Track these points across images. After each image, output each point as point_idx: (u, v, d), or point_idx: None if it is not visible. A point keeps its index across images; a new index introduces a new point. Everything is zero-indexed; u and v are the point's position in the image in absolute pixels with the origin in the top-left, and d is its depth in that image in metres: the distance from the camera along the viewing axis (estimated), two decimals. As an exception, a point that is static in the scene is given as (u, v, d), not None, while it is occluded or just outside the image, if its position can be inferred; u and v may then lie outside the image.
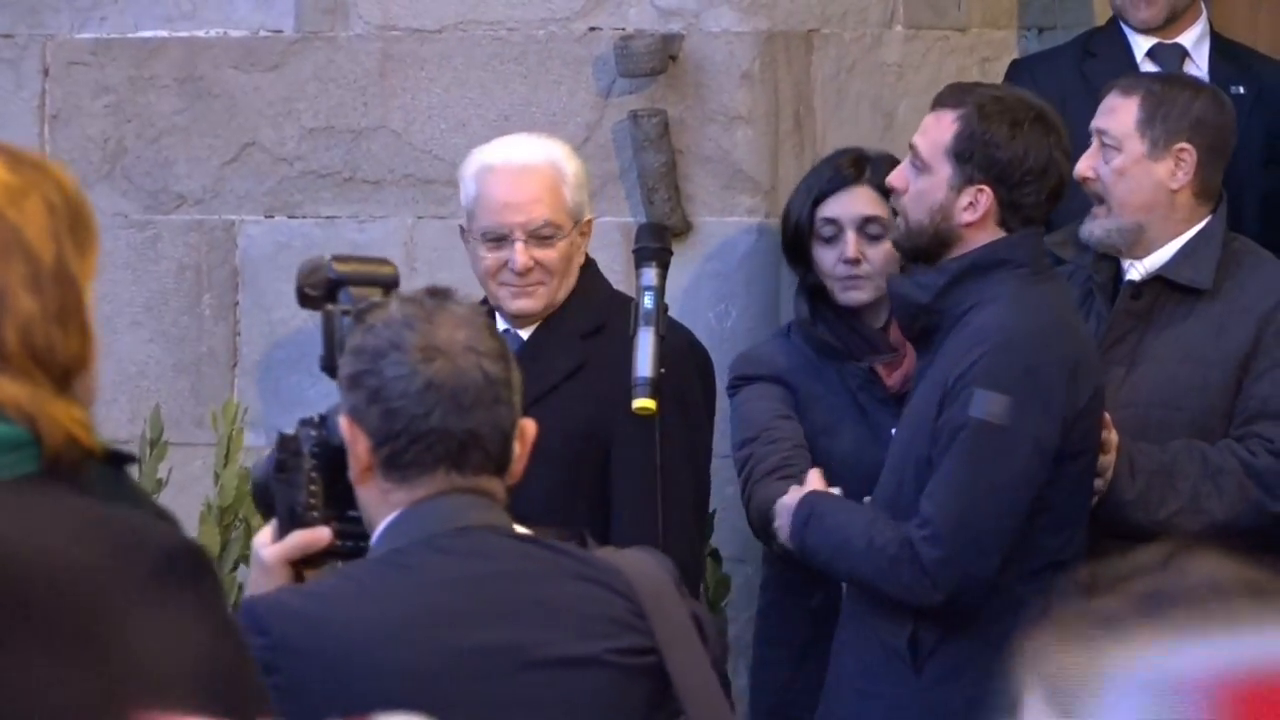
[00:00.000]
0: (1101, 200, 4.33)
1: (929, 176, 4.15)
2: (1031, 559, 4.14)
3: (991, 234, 4.18)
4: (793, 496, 4.25)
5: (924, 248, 4.22)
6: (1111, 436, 4.36)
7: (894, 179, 4.31)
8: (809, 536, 4.39)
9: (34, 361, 2.07)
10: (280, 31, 5.40)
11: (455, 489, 3.07)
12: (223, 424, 5.05)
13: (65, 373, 2.15)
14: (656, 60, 4.83)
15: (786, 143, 4.94)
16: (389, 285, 3.52)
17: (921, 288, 4.23)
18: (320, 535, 3.22)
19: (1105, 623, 0.97)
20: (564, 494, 4.43)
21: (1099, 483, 4.29)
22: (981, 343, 4.12)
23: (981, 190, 4.04)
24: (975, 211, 4.10)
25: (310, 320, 3.76)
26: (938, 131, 4.20)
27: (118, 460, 2.29)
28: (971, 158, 4.07)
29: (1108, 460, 4.25)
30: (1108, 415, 4.24)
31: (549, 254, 4.48)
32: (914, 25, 5.23)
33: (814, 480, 4.28)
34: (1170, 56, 5.06)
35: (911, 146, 4.30)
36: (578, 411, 4.47)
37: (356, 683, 2.78)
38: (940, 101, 4.32)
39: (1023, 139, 4.11)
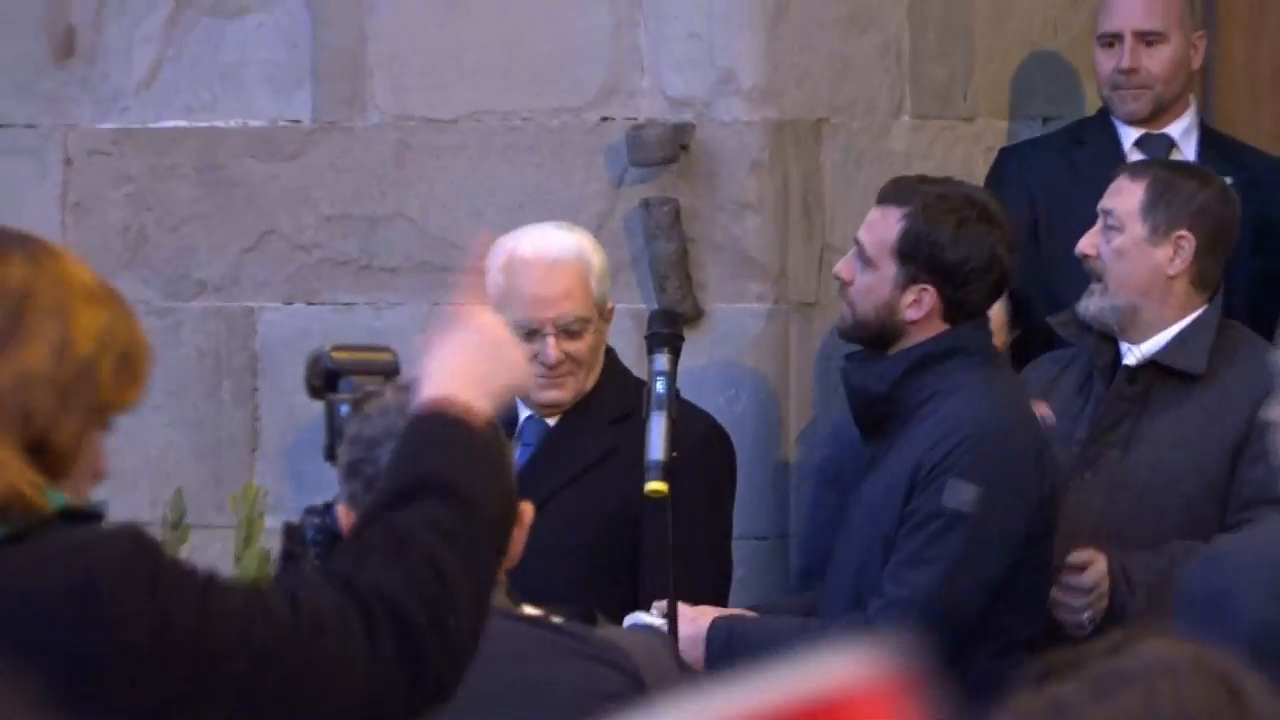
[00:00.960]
0: (1100, 278, 4.39)
1: (874, 273, 4.26)
2: (997, 638, 4.24)
3: (936, 328, 4.28)
4: (694, 627, 4.22)
5: (871, 338, 4.36)
6: (1097, 558, 4.38)
7: (841, 270, 4.42)
8: (735, 657, 4.35)
9: (23, 428, 2.20)
10: (298, 121, 5.45)
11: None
12: (243, 507, 4.99)
13: (41, 448, 2.25)
14: (668, 149, 4.90)
15: (795, 230, 5.00)
16: (387, 373, 3.90)
17: (878, 378, 4.35)
18: None
19: (1058, 708, 1.02)
20: (594, 575, 4.47)
21: (1095, 607, 4.31)
22: (953, 433, 4.24)
23: (926, 290, 4.17)
24: (920, 309, 4.23)
25: (327, 406, 4.05)
26: (884, 229, 4.29)
27: (80, 518, 2.31)
28: (916, 258, 4.17)
29: (1097, 579, 4.28)
30: (1089, 548, 4.30)
31: (578, 346, 4.55)
32: (921, 115, 5.33)
33: (706, 611, 4.32)
34: (1158, 146, 5.17)
35: (857, 241, 4.38)
36: (609, 495, 4.54)
37: None
38: (885, 198, 4.39)
39: (966, 239, 4.22)
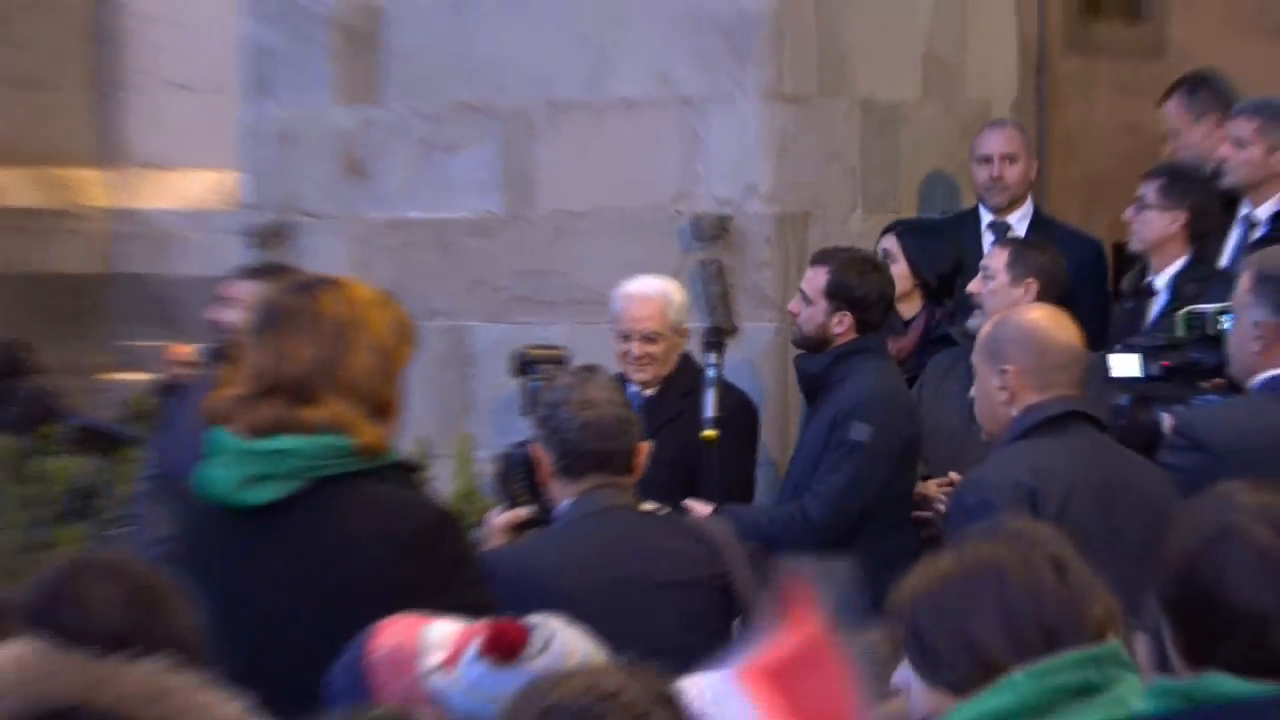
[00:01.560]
0: (980, 306, 6.24)
1: (813, 308, 6.22)
2: (879, 520, 6.14)
3: (850, 336, 6.23)
4: (707, 511, 5.93)
5: (812, 345, 6.32)
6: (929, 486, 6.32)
7: (792, 307, 6.42)
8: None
9: (359, 397, 3.17)
10: (495, 213, 7.84)
11: (602, 485, 4.32)
12: (459, 445, 7.26)
13: (378, 407, 3.22)
14: (716, 230, 7.30)
15: (792, 281, 7.01)
16: (559, 362, 6.09)
17: (815, 365, 6.35)
18: (522, 513, 4.75)
19: (942, 578, 2.13)
20: (670, 488, 5.82)
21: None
22: (857, 395, 6.19)
23: (845, 315, 6.16)
24: (842, 327, 6.22)
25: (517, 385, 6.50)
26: (816, 280, 6.26)
27: (406, 467, 3.42)
28: (838, 296, 6.14)
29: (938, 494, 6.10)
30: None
31: (653, 348, 6.52)
32: (869, 209, 7.67)
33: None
34: (1000, 229, 7.20)
35: (800, 289, 6.39)
36: (680, 441, 6.26)
37: (535, 602, 3.06)
38: (815, 260, 6.43)
39: (868, 282, 6.21)
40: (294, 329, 3.44)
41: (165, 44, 11.13)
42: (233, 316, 6.63)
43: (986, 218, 7.37)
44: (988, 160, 7.36)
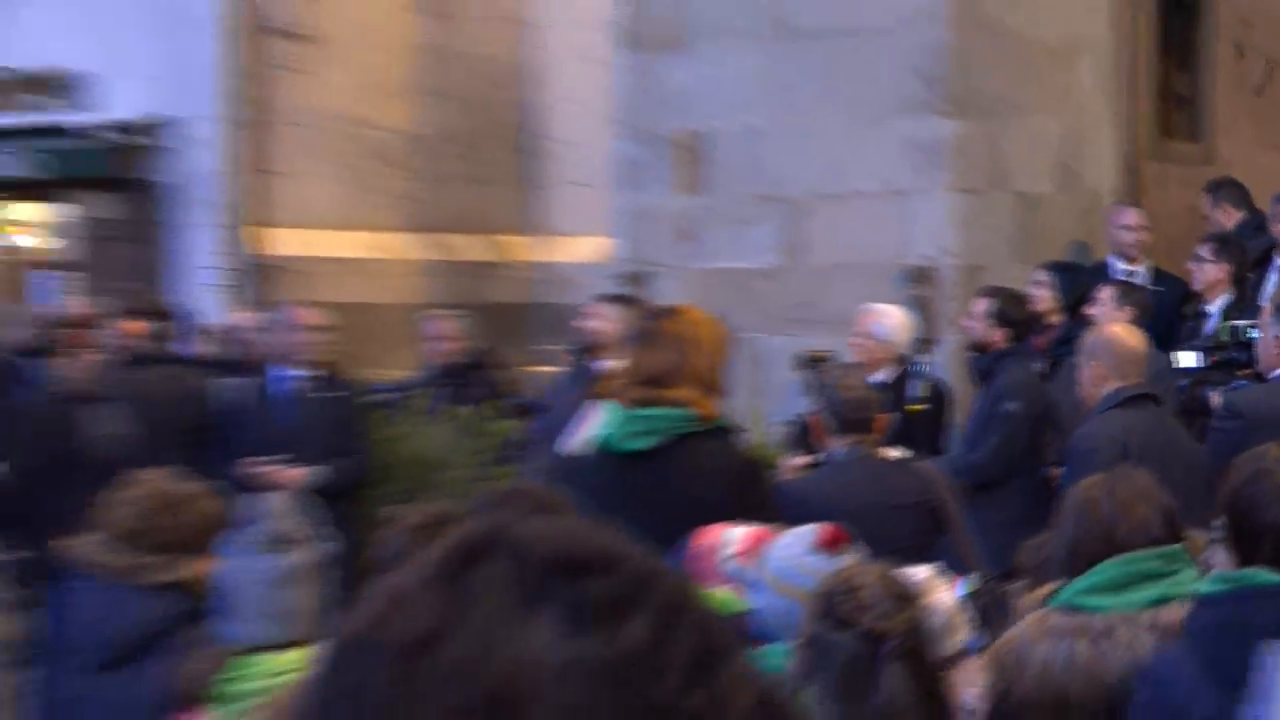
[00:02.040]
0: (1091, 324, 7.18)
1: (979, 325, 7.62)
2: (1022, 468, 7.30)
3: (1004, 344, 7.52)
4: None
5: (978, 349, 7.65)
6: None
7: (965, 324, 7.83)
8: None
9: (699, 383, 4.42)
10: (776, 264, 9.62)
11: (857, 441, 5.45)
12: (754, 419, 7.77)
13: (711, 389, 4.48)
14: (920, 277, 8.96)
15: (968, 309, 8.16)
16: (827, 361, 7.30)
17: (981, 362, 7.68)
18: (804, 459, 6.17)
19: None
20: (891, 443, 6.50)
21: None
22: (1008, 381, 7.36)
23: (1000, 330, 7.48)
24: (998, 337, 7.48)
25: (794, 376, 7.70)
26: (981, 307, 7.61)
27: (729, 429, 4.54)
28: (995, 317, 7.42)
29: None
30: None
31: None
32: (1018, 263, 9.12)
33: None
34: (1131, 275, 8.52)
35: (971, 313, 7.75)
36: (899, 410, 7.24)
37: (812, 518, 3.77)
38: (980, 293, 7.76)
39: (1015, 309, 7.58)
40: (656, 340, 4.70)
41: (566, 156, 14.06)
42: (591, 326, 8.58)
43: (1118, 265, 8.78)
44: (1129, 229, 9.01)
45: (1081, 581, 3.52)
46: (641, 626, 0.86)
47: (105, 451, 8.07)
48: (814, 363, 7.83)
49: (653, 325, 4.95)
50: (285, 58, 13.85)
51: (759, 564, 3.68)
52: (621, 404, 4.69)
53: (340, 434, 8.77)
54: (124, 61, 13.85)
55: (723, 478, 4.62)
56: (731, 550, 3.83)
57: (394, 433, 9.25)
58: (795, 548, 3.59)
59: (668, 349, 4.65)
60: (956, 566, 4.90)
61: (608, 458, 4.66)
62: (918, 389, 7.92)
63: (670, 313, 5.10)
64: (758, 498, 4.55)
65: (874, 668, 3.02)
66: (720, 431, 4.72)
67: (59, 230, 15.20)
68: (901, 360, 8.02)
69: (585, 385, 7.28)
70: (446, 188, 14.94)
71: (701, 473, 4.64)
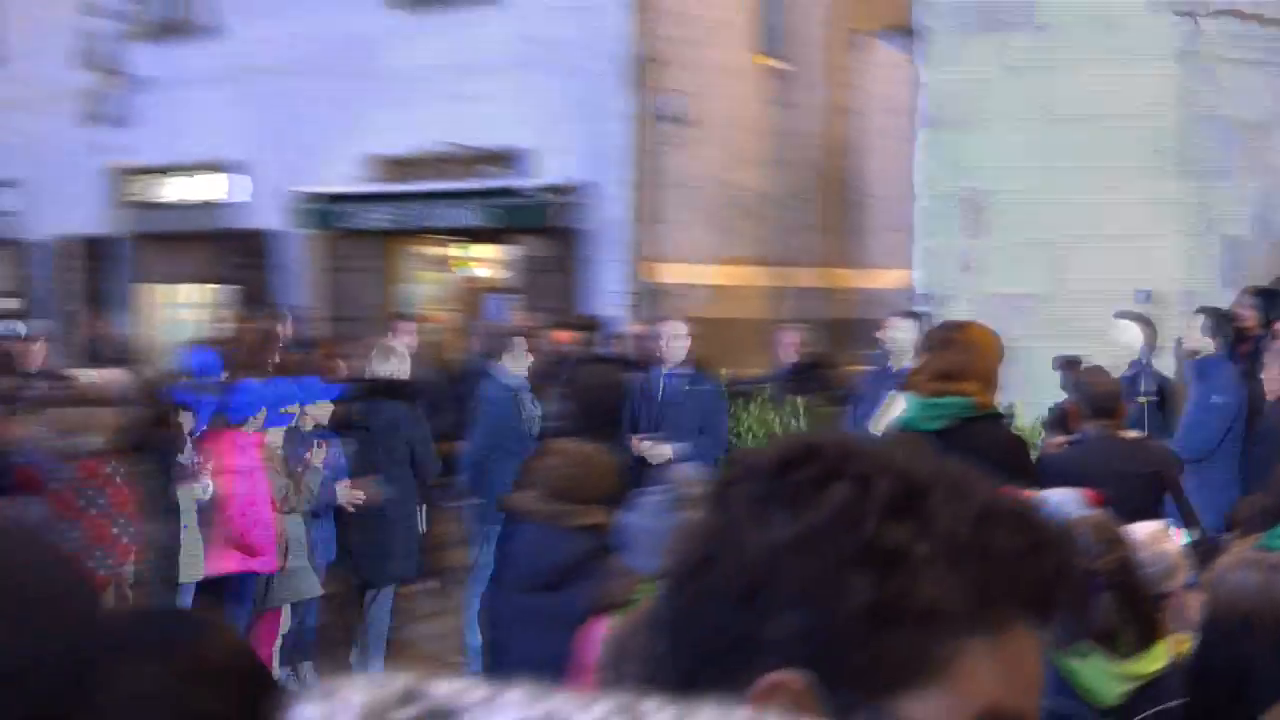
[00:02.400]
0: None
1: (1195, 336, 8.34)
2: (1227, 447, 7.90)
3: (1212, 350, 8.10)
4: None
5: (1191, 355, 8.38)
6: None
7: (1182, 336, 8.63)
8: None
9: (981, 380, 4.83)
10: (1042, 292, 10.58)
11: (1104, 424, 5.97)
12: (1018, 409, 8.02)
13: (989, 385, 4.87)
14: (1150, 300, 9.89)
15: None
16: (1080, 363, 7.96)
17: (1194, 364, 8.11)
18: (1062, 439, 6.68)
19: None
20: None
21: None
22: (1217, 378, 7.90)
23: (1210, 339, 8.17)
24: (1208, 345, 8.19)
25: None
26: (1197, 323, 8.24)
27: (1001, 415, 5.13)
28: (1208, 331, 8.20)
29: None
30: None
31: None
32: (1227, 288, 10.06)
33: None
34: None
35: (1189, 328, 8.53)
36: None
37: (1068, 484, 4.24)
38: (1197, 312, 8.47)
39: (1224, 325, 8.20)
40: (948, 346, 4.95)
41: (880, 208, 15.71)
42: (893, 336, 9.04)
43: None
44: None
45: (1277, 528, 3.79)
46: (840, 490, 0.94)
47: (542, 428, 9.08)
48: (1071, 364, 8.47)
49: (946, 335, 5.29)
50: (673, 137, 15.03)
51: None
52: (920, 394, 5.01)
53: (706, 417, 9.31)
54: (555, 140, 15.18)
55: (995, 453, 4.64)
56: None
57: (748, 416, 10.32)
58: (1068, 505, 3.95)
59: (957, 353, 4.97)
60: (1180, 522, 5.53)
61: (908, 436, 4.81)
62: (1150, 385, 8.65)
63: (960, 326, 5.47)
64: (1022, 469, 4.82)
65: (1088, 597, 3.27)
66: (995, 417, 5.04)
67: (506, 265, 16.67)
68: (1137, 363, 8.76)
69: (888, 381, 7.83)
70: (790, 233, 16.44)
71: (979, 449, 4.37)
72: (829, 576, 0.93)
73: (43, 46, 18.19)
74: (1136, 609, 3.58)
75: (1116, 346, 8.85)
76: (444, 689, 0.69)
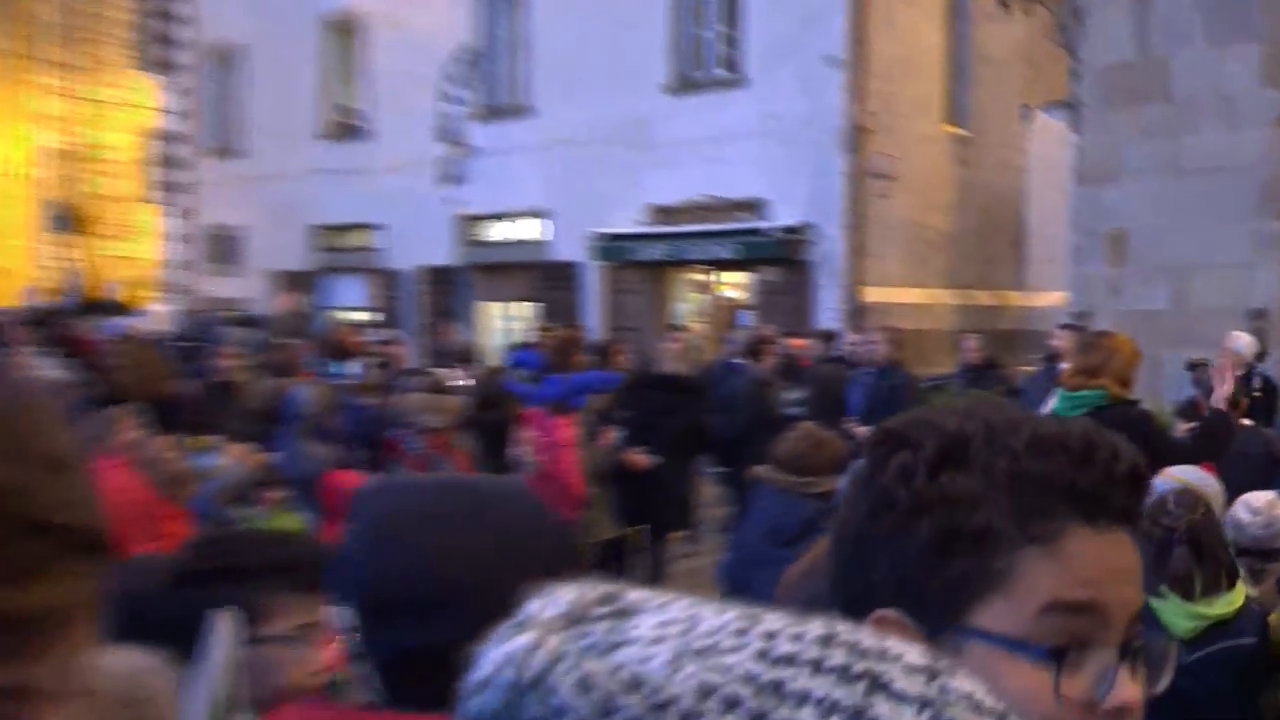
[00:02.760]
0: None
1: None
2: None
3: None
4: None
5: None
6: None
7: None
8: None
9: (1115, 377, 4.57)
10: (1168, 307, 10.52)
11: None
12: (1153, 403, 6.60)
13: (1124, 382, 4.51)
14: (1256, 314, 11.07)
15: None
16: (1203, 364, 8.02)
17: None
18: (1189, 425, 5.99)
19: None
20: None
21: None
22: None
23: None
24: None
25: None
26: None
27: (1134, 402, 4.58)
28: None
29: None
30: None
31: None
32: None
33: None
34: None
35: None
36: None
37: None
38: None
39: None
40: (1091, 350, 4.82)
41: (1041, 244, 15.57)
42: (1054, 344, 8.92)
43: None
44: None
45: None
46: (899, 458, 0.93)
47: (785, 413, 8.88)
48: (1197, 366, 8.74)
49: (1088, 341, 5.16)
50: (878, 189, 15.30)
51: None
52: (1066, 389, 4.87)
53: (901, 408, 9.85)
54: (788, 192, 15.60)
55: (1126, 431, 3.11)
56: None
57: (935, 408, 11.05)
58: (1192, 477, 3.85)
59: (1096, 356, 4.80)
60: None
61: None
62: (1257, 383, 8.61)
63: (1101, 334, 5.34)
64: (1147, 442, 3.89)
65: (1167, 549, 3.23)
66: (1128, 403, 4.83)
67: (750, 288, 16.95)
68: (1248, 365, 8.42)
69: (1050, 379, 7.50)
70: (970, 262, 16.52)
71: (1119, 425, 3.40)
72: (899, 526, 0.92)
73: (407, 125, 19.23)
74: (1210, 561, 3.44)
75: (1232, 352, 7.84)
76: (634, 594, 0.64)
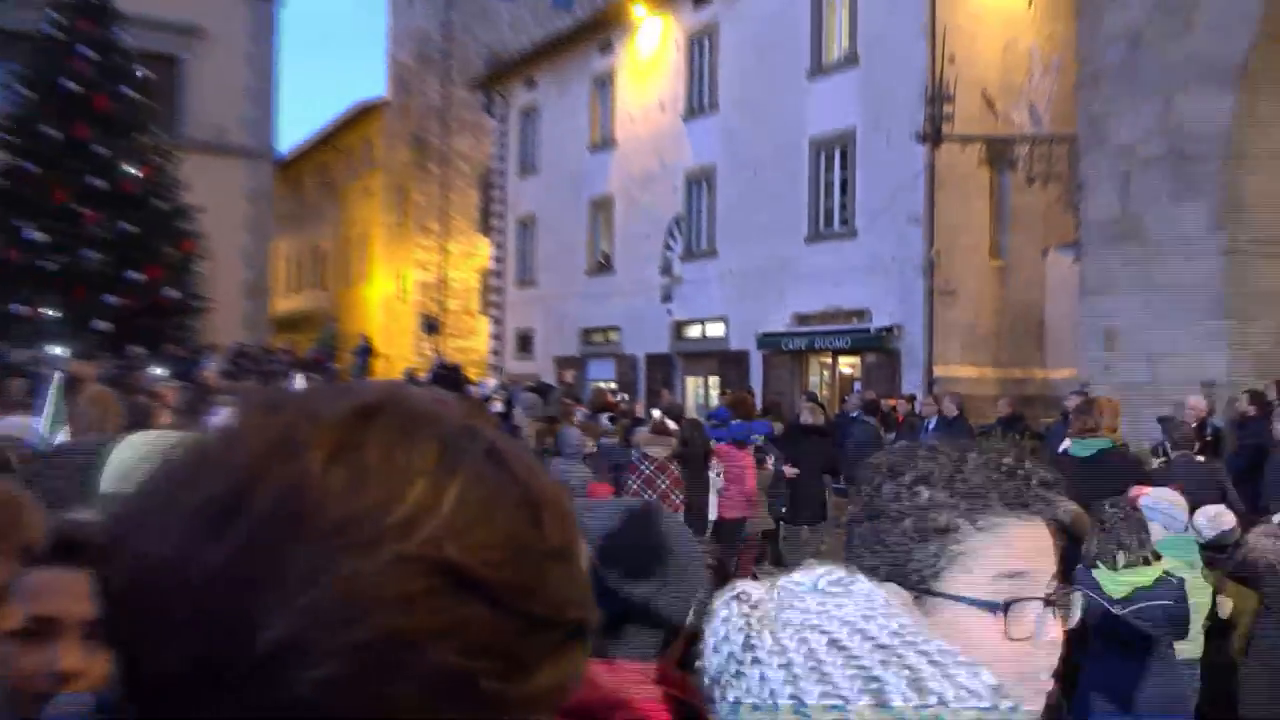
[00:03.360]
0: None
1: None
2: None
3: None
4: None
5: None
6: None
7: None
8: None
9: (1109, 429, 3.97)
10: None
11: (1183, 453, 4.86)
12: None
13: (1114, 429, 4.14)
14: None
15: None
16: (1170, 419, 8.12)
17: None
18: (1160, 460, 5.66)
19: None
20: None
21: None
22: None
23: None
24: None
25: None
26: None
27: (1125, 446, 4.16)
28: None
29: None
30: None
31: None
32: None
33: None
34: None
35: None
36: None
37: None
38: None
39: None
40: (1090, 411, 4.27)
41: (1057, 335, 14.08)
42: (1067, 404, 8.28)
43: None
44: None
45: None
46: (889, 482, 0.88)
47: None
48: (1164, 420, 7.76)
49: (1087, 404, 4.56)
50: (943, 301, 14.64)
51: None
52: (1076, 436, 4.43)
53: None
54: (884, 304, 15.13)
55: (1120, 466, 4.17)
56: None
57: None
58: (1165, 497, 3.53)
59: (1094, 414, 4.34)
60: (1233, 509, 4.86)
61: (1060, 459, 4.36)
62: (1209, 432, 8.06)
63: (1095, 399, 4.89)
64: (1133, 473, 4.24)
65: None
66: (1123, 447, 4.40)
67: (860, 367, 15.97)
68: (1201, 419, 8.01)
69: (1063, 429, 6.99)
70: (1006, 349, 15.04)
71: (1109, 466, 4.17)
72: (888, 525, 0.88)
73: (640, 263, 19.52)
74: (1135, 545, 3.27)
75: (1192, 410, 8.49)
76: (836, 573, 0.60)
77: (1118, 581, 3.30)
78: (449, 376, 14.35)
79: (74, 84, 14.32)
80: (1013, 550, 0.86)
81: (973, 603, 0.85)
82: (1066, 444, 4.85)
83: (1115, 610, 3.26)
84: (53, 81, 14.28)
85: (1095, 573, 3.29)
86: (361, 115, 28.92)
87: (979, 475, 0.87)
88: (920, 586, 0.85)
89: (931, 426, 10.12)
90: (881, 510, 0.88)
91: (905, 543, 0.87)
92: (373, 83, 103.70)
